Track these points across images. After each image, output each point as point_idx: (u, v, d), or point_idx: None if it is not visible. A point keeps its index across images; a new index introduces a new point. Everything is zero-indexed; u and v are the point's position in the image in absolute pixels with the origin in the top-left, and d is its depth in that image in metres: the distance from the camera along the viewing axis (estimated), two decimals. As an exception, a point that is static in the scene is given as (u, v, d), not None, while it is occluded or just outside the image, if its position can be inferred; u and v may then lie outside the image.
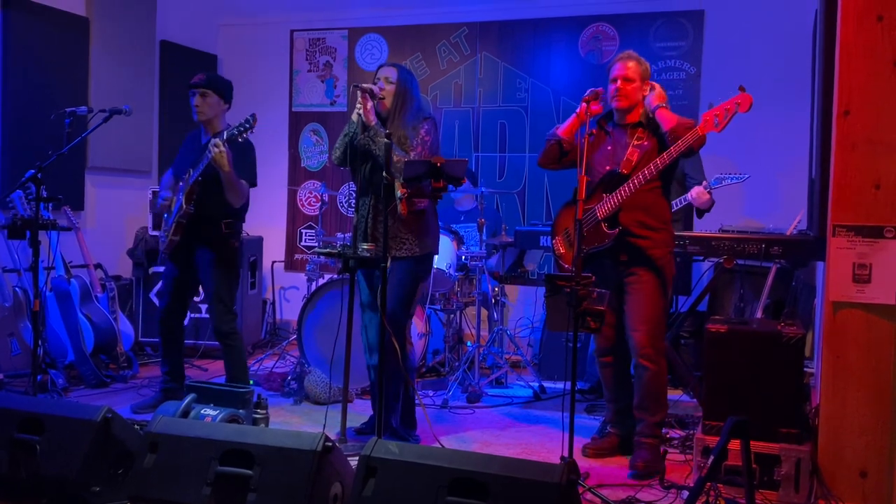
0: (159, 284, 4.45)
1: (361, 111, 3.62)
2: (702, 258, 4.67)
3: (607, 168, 3.62)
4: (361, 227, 3.75)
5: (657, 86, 3.67)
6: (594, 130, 3.56)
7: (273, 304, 6.85)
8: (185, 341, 4.65)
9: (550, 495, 2.31)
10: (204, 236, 4.19)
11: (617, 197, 3.51)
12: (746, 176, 4.64)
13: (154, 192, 4.31)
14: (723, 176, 4.59)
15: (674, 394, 4.82)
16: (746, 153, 5.75)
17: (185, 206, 4.08)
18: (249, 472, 2.59)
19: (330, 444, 2.62)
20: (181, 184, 4.18)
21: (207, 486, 2.61)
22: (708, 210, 4.67)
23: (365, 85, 3.67)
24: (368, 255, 3.47)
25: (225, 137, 3.92)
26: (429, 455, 2.52)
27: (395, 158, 3.48)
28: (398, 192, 3.49)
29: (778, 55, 5.64)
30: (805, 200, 4.82)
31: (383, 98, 3.70)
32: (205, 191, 4.09)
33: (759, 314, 4.77)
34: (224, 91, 4.24)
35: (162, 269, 4.43)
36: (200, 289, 4.71)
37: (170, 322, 4.41)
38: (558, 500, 2.31)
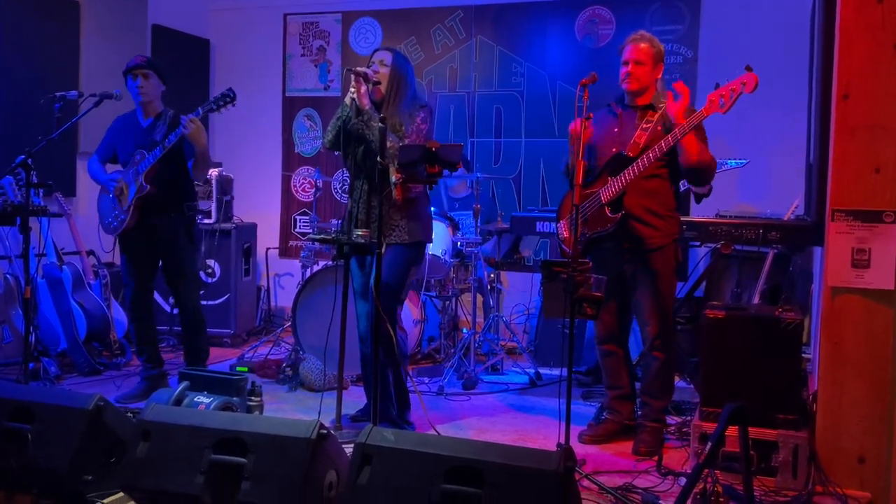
0: (122, 274, 4.45)
1: (355, 95, 3.58)
2: (699, 244, 4.64)
3: (613, 150, 3.57)
4: (355, 213, 3.71)
5: (685, 91, 3.46)
6: (591, 114, 3.51)
7: (268, 290, 6.81)
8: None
9: (547, 483, 2.29)
10: (169, 217, 4.27)
11: (621, 180, 3.46)
12: (746, 161, 4.62)
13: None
14: (722, 161, 4.56)
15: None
16: (743, 137, 5.70)
17: (145, 186, 4.13)
18: (243, 460, 2.56)
19: (325, 431, 2.58)
20: (132, 167, 4.21)
21: (201, 475, 2.57)
22: (707, 195, 4.63)
23: (359, 69, 3.62)
24: (362, 241, 3.44)
25: (201, 113, 4.02)
26: (425, 442, 2.49)
27: (388, 144, 3.43)
28: (393, 178, 3.45)
29: (776, 39, 5.59)
30: (802, 185, 4.80)
31: (378, 83, 3.66)
32: (165, 170, 4.18)
33: (755, 300, 4.75)
34: (163, 72, 4.34)
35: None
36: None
37: (139, 308, 4.42)
38: (555, 488, 2.28)
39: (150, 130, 4.24)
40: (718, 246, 4.12)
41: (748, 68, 3.28)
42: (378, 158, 3.33)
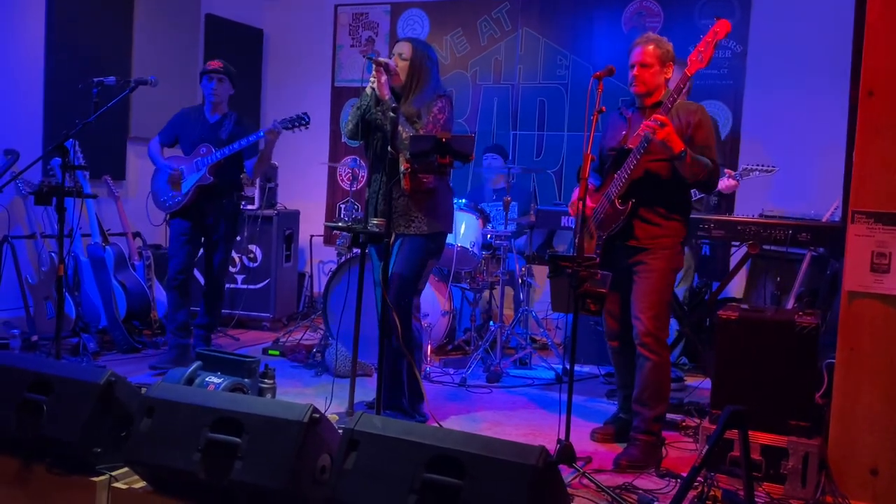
0: (170, 246, 4.82)
1: (375, 85, 3.59)
2: (738, 244, 4.55)
3: None
4: (373, 202, 3.73)
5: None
6: (603, 108, 3.45)
7: (311, 276, 6.92)
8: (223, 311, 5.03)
9: (525, 476, 2.28)
10: (221, 204, 4.74)
11: (625, 171, 3.38)
12: (776, 168, 4.56)
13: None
14: (751, 167, 4.53)
15: (695, 380, 4.72)
16: (791, 135, 5.55)
17: (208, 177, 4.62)
18: (237, 439, 2.62)
19: (317, 415, 2.62)
20: (195, 157, 4.66)
21: (198, 452, 2.64)
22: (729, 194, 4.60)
23: (380, 58, 3.63)
24: (378, 230, 3.46)
25: (280, 127, 4.51)
26: (410, 431, 2.50)
27: (403, 135, 3.44)
28: (401, 167, 3.46)
29: (826, 34, 5.41)
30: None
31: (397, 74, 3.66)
32: (225, 164, 4.65)
33: (791, 303, 4.62)
34: (235, 79, 4.81)
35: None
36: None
37: (183, 277, 4.74)
38: (533, 482, 2.27)
39: (216, 127, 4.71)
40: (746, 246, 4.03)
41: (717, 17, 3.23)
42: (388, 147, 3.34)
